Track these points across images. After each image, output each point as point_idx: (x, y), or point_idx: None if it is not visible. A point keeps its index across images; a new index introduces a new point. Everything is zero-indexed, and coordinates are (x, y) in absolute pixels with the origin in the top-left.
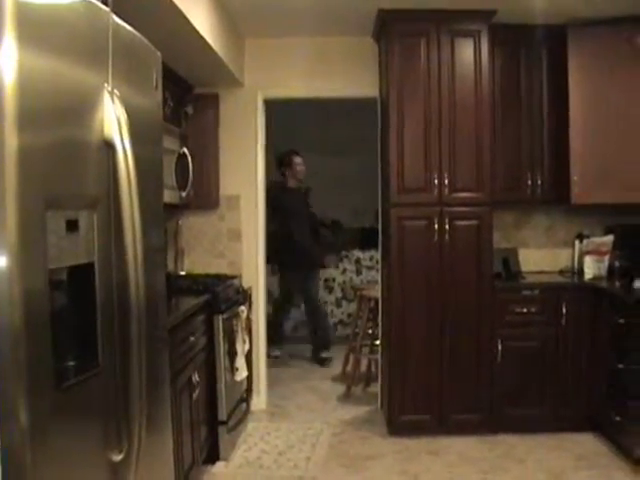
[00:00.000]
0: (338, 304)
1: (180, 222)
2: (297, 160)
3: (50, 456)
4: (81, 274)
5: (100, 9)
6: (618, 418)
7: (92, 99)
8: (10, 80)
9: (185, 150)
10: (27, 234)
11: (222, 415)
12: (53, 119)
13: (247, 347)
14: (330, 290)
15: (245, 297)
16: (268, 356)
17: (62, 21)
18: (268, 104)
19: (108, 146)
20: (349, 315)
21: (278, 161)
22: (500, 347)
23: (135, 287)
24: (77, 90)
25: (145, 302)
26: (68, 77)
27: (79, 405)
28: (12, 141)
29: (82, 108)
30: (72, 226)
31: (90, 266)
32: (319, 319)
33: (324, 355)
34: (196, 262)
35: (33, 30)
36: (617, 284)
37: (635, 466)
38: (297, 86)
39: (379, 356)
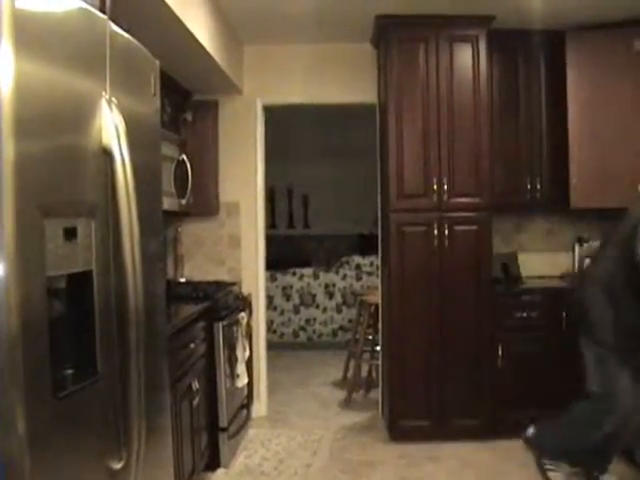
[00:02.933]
0: (339, 310)
1: (180, 229)
2: None
3: (49, 465)
4: (79, 282)
5: (97, 17)
6: None
7: (90, 107)
8: (7, 89)
9: (184, 157)
10: (25, 242)
11: (223, 422)
12: (50, 127)
13: (247, 354)
14: (330, 296)
15: (245, 304)
16: None
17: (59, 29)
18: (267, 111)
19: (106, 154)
20: (349, 320)
21: None
22: (500, 352)
23: (134, 294)
24: (75, 98)
25: (144, 309)
26: (65, 85)
27: (78, 413)
28: (9, 150)
29: (80, 116)
30: (70, 234)
31: (88, 274)
32: None
33: None
34: (196, 269)
35: (30, 38)
36: None
37: (639, 469)
38: (296, 92)
39: (379, 362)
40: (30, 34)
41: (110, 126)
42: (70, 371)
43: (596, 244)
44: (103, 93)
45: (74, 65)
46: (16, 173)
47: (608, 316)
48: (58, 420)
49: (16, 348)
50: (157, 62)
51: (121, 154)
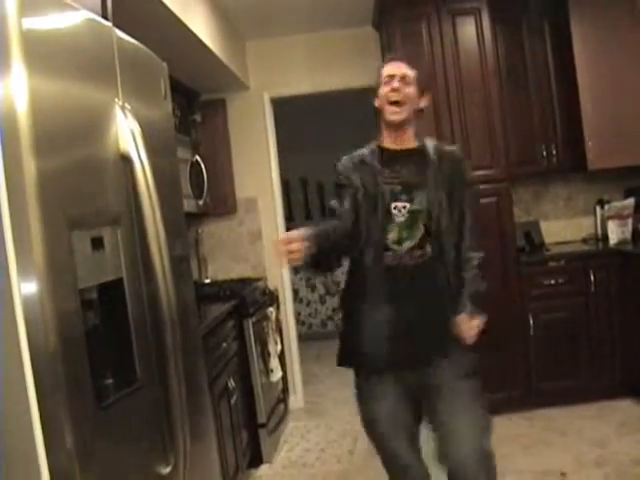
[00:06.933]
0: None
1: (200, 230)
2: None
3: (98, 475)
4: (111, 291)
5: (102, 25)
6: None
7: (105, 115)
8: (23, 108)
9: (198, 158)
10: (54, 257)
11: (261, 418)
12: (69, 140)
13: (279, 348)
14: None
15: (272, 298)
16: None
17: (67, 42)
18: (275, 103)
19: (125, 160)
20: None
21: None
22: (532, 321)
23: (166, 298)
24: (89, 108)
25: (177, 312)
26: (79, 97)
27: (122, 421)
28: (30, 167)
29: (96, 125)
30: (97, 244)
31: (119, 282)
32: None
33: None
34: (219, 269)
35: (41, 56)
36: None
37: None
38: (302, 82)
39: None
40: (40, 52)
41: (126, 132)
42: (111, 380)
43: (618, 204)
44: (116, 100)
45: (85, 76)
46: (39, 190)
47: None
48: (104, 429)
49: (56, 363)
50: (165, 64)
51: (140, 159)
